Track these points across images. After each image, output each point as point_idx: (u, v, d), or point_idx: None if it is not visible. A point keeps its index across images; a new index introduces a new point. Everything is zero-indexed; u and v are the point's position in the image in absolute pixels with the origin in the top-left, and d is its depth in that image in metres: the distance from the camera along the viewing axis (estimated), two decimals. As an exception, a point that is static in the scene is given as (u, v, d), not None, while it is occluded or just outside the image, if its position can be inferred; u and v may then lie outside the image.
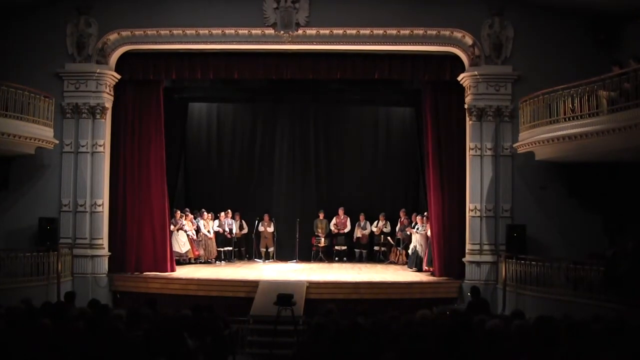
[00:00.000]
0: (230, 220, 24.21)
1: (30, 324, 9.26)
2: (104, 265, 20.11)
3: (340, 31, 19.67)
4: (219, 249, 23.92)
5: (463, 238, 20.03)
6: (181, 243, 22.64)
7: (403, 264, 23.17)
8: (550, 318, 9.14)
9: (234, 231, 24.29)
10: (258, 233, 24.87)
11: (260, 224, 24.70)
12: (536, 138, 17.65)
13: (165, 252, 20.85)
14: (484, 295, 17.07)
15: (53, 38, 19.95)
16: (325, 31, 19.71)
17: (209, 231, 23.69)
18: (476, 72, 19.60)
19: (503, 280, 18.45)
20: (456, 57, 20.05)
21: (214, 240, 23.67)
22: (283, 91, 24.34)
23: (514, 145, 19.14)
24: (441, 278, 20.02)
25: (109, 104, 20.33)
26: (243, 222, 24.77)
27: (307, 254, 24.71)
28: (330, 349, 8.35)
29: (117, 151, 20.75)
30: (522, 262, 17.95)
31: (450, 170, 20.50)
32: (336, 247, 24.84)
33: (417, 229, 22.00)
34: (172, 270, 20.84)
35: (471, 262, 19.55)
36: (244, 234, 24.82)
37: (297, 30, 19.65)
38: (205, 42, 20.01)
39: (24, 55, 19.78)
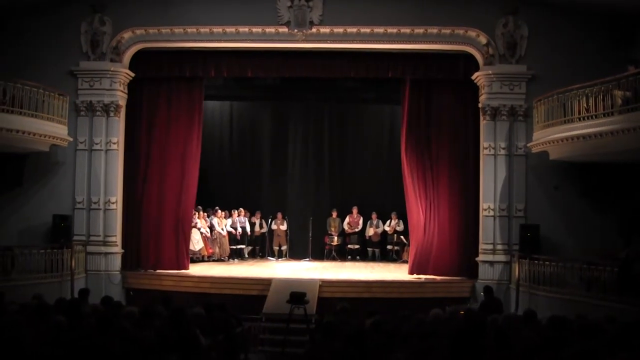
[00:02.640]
0: (243, 219, 24.19)
1: (43, 320, 9.26)
2: (117, 262, 20.19)
3: (354, 30, 19.69)
4: (232, 247, 23.88)
5: (475, 237, 20.09)
6: (195, 241, 22.58)
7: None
8: (563, 318, 9.18)
9: (247, 230, 24.29)
10: (271, 231, 24.88)
11: (274, 222, 24.72)
12: (550, 137, 17.57)
13: (181, 249, 20.93)
14: (496, 294, 17.06)
15: (67, 36, 20.04)
16: (339, 30, 19.72)
17: (222, 229, 23.65)
18: (490, 71, 19.56)
19: (516, 280, 18.32)
20: (470, 56, 20.02)
21: (227, 238, 23.63)
22: (296, 90, 24.34)
23: (528, 145, 19.11)
24: (454, 277, 20.01)
25: (122, 102, 20.41)
26: (263, 221, 24.80)
27: (320, 253, 24.67)
28: (341, 347, 8.25)
29: (135, 148, 20.91)
30: (536, 262, 17.84)
31: (460, 169, 20.61)
32: (349, 246, 24.80)
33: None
34: (185, 268, 20.87)
35: (484, 262, 19.52)
36: (262, 232, 24.88)
37: (310, 29, 19.70)
38: (219, 41, 20.06)
39: (38, 53, 19.90)
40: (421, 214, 20.72)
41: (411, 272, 20.53)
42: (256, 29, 19.80)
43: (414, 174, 20.73)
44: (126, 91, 20.56)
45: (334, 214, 24.72)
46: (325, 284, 18.94)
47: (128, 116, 20.82)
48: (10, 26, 20.02)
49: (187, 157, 21.09)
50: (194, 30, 19.90)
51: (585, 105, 16.58)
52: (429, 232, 20.67)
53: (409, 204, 21.01)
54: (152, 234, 20.82)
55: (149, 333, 8.88)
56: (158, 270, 20.47)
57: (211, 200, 24.73)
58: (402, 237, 24.07)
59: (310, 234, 24.24)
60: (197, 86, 21.28)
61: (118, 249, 20.27)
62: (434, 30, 19.62)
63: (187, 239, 21.27)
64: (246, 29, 19.79)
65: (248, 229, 24.44)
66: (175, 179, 21.02)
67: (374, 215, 24.34)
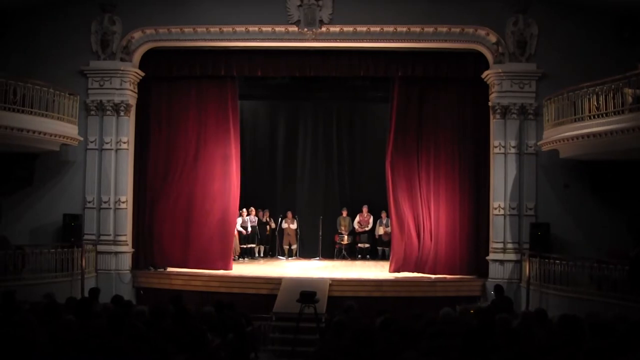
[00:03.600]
0: (253, 218, 24.18)
1: (54, 319, 9.29)
2: (128, 261, 20.24)
3: (363, 28, 19.65)
4: (242, 246, 23.86)
5: (484, 236, 20.10)
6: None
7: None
8: (574, 317, 9.09)
9: (257, 229, 24.29)
10: (281, 230, 24.87)
11: (284, 221, 24.71)
12: (561, 136, 17.50)
13: (225, 250, 21.15)
14: (507, 293, 17.11)
15: (78, 36, 20.08)
16: (348, 28, 19.68)
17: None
18: (500, 70, 19.47)
19: (526, 278, 18.28)
20: (479, 55, 19.99)
21: (237, 237, 23.58)
22: (306, 89, 24.20)
23: (538, 143, 19.01)
24: (464, 276, 20.01)
25: (132, 101, 20.45)
26: (272, 219, 24.84)
27: (330, 252, 24.66)
28: (351, 346, 8.27)
29: (149, 147, 21.05)
30: (546, 260, 17.79)
31: (469, 168, 20.65)
32: (359, 245, 24.77)
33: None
34: (228, 268, 20.99)
35: (495, 261, 19.44)
36: (272, 228, 24.98)
37: (320, 28, 19.66)
38: (229, 40, 20.08)
39: (49, 53, 19.97)
40: (412, 212, 20.92)
41: (393, 271, 20.73)
42: (266, 28, 19.78)
43: (418, 173, 20.91)
44: (136, 90, 20.59)
45: (344, 213, 24.68)
46: (335, 282, 18.95)
47: (140, 115, 20.91)
48: (21, 26, 20.06)
49: (229, 156, 21.25)
50: (204, 29, 19.91)
51: (595, 103, 16.49)
52: (429, 232, 20.78)
53: (396, 202, 21.09)
54: (178, 233, 20.96)
55: (159, 332, 8.95)
56: (168, 269, 20.57)
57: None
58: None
59: (320, 233, 24.25)
60: (223, 84, 21.40)
61: (128, 248, 20.30)
62: (443, 28, 19.54)
63: (230, 239, 21.42)
64: (256, 28, 19.77)
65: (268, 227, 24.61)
66: (213, 178, 21.19)
67: (383, 214, 24.19)
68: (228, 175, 21.19)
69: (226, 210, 21.16)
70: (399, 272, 20.55)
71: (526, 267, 18.46)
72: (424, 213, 20.85)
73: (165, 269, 20.57)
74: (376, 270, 21.46)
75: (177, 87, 21.36)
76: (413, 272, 20.49)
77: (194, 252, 20.82)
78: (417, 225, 20.87)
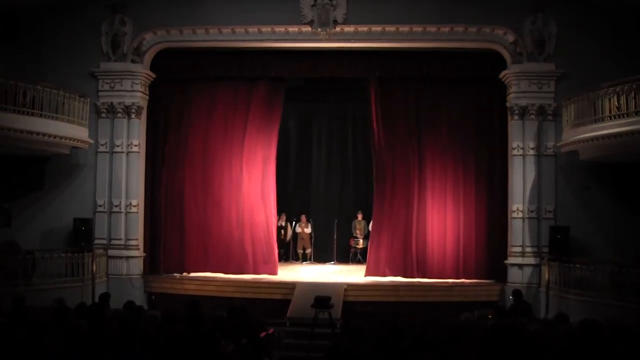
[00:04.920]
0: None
1: (64, 324, 9.17)
2: (139, 266, 20.15)
3: (378, 28, 19.49)
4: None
5: (502, 240, 19.93)
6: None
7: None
8: (595, 322, 9.00)
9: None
10: (295, 234, 24.67)
11: (297, 225, 24.50)
12: (580, 137, 17.29)
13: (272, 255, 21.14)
14: (526, 298, 16.67)
15: (88, 37, 20.03)
16: (363, 28, 19.52)
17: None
18: (518, 70, 19.29)
19: (546, 283, 18.05)
20: (496, 55, 19.79)
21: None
22: (320, 90, 24.07)
23: (558, 145, 18.81)
24: (482, 280, 19.87)
25: (144, 103, 20.37)
26: (288, 224, 24.61)
27: (345, 256, 24.36)
28: (367, 352, 8.18)
29: (165, 149, 21.09)
30: (566, 264, 17.51)
31: (484, 169, 20.54)
32: (375, 249, 24.40)
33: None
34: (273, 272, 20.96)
35: (513, 265, 19.24)
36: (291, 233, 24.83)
37: (334, 28, 19.41)
38: (242, 41, 20.01)
39: (59, 55, 19.95)
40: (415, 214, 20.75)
41: (369, 274, 20.63)
42: (279, 29, 19.66)
43: (419, 174, 20.80)
44: (147, 92, 20.52)
45: (359, 216, 24.35)
46: (350, 287, 18.82)
47: (151, 117, 20.90)
48: (31, 28, 20.01)
49: (268, 159, 21.36)
50: (216, 30, 19.83)
51: (616, 103, 16.31)
52: (437, 235, 20.62)
53: (380, 202, 21.16)
54: (178, 237, 20.94)
55: (171, 337, 8.83)
56: (183, 274, 20.52)
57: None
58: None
59: (335, 237, 23.94)
60: (239, 86, 21.41)
61: (140, 252, 20.21)
62: (460, 28, 19.34)
63: (274, 242, 21.38)
64: (269, 29, 19.67)
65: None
66: (248, 181, 21.20)
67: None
68: (265, 178, 21.34)
69: (268, 214, 21.27)
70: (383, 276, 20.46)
71: (545, 271, 18.24)
72: (430, 216, 20.70)
73: (186, 274, 20.60)
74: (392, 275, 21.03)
75: (188, 89, 21.27)
76: (425, 277, 20.32)
77: (237, 258, 20.85)
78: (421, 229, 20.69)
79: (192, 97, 21.26)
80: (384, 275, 20.48)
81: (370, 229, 22.46)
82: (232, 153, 21.14)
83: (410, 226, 20.66)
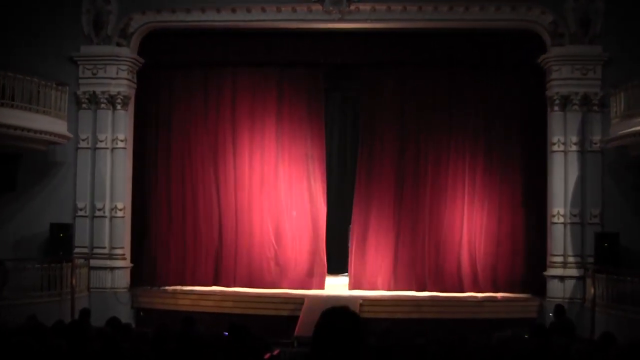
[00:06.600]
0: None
1: (40, 345, 8.31)
2: (126, 278, 19.20)
3: (398, 7, 18.31)
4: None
5: (541, 248, 18.81)
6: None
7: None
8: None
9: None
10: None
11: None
12: (631, 130, 16.23)
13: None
14: (568, 315, 15.55)
15: (66, 16, 19.02)
16: (381, 7, 18.35)
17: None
18: (559, 53, 18.14)
19: (591, 298, 16.83)
20: (533, 36, 18.61)
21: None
22: (332, 77, 22.06)
23: (605, 140, 17.77)
24: (517, 295, 18.88)
25: (131, 93, 19.41)
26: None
27: (361, 266, 23.27)
28: None
29: (149, 147, 20.06)
30: (614, 277, 16.36)
31: (520, 168, 19.36)
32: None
33: None
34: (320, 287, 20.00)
35: (553, 277, 18.15)
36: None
37: (348, 7, 18.26)
38: (243, 21, 18.88)
39: (32, 36, 18.92)
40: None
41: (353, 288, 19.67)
42: (285, 8, 18.53)
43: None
44: (135, 80, 19.55)
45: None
46: (366, 302, 17.83)
47: (141, 109, 19.87)
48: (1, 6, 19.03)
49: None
50: (214, 10, 18.73)
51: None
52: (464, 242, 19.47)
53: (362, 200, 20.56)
54: (173, 245, 19.85)
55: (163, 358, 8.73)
56: (176, 287, 19.45)
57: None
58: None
59: (349, 245, 22.20)
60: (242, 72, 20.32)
61: (126, 263, 19.27)
62: (491, 7, 18.23)
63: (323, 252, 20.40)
64: (274, 8, 18.51)
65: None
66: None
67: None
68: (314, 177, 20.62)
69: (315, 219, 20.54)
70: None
71: (591, 284, 17.01)
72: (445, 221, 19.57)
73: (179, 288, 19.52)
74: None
75: (182, 76, 20.25)
76: (450, 292, 19.12)
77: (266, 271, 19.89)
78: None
79: (189, 85, 20.26)
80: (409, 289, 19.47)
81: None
82: (239, 148, 20.09)
83: (440, 231, 19.59)
